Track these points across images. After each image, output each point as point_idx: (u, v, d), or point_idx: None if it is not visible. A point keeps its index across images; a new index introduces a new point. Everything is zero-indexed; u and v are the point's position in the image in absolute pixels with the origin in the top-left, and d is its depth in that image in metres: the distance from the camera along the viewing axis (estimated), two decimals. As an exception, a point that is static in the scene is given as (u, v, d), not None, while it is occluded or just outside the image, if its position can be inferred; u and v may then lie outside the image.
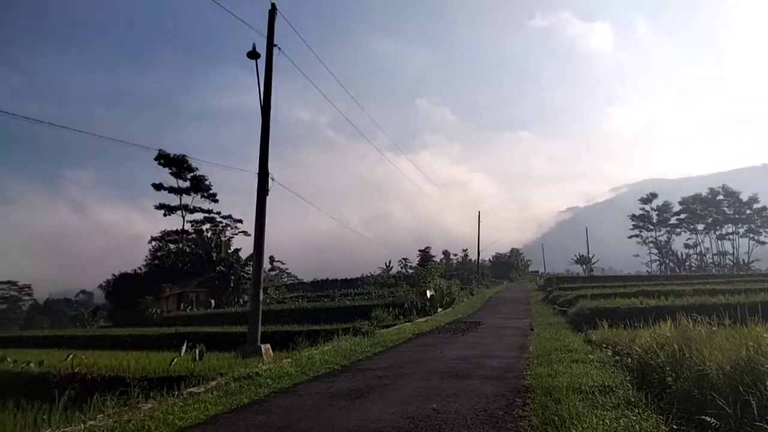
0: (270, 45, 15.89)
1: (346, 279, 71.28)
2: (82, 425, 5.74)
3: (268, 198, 15.41)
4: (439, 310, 28.33)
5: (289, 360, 10.93)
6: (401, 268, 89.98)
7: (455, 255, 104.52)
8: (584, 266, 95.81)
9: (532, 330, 17.93)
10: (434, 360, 11.28)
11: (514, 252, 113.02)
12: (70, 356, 14.61)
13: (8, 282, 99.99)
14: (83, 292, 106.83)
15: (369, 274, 70.41)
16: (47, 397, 12.00)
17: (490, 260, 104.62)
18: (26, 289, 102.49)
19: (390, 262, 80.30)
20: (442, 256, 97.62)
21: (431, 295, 28.97)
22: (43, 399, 11.66)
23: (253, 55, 15.23)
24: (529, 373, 9.14)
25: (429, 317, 24.69)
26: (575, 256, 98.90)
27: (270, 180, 15.66)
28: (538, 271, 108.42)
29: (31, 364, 14.63)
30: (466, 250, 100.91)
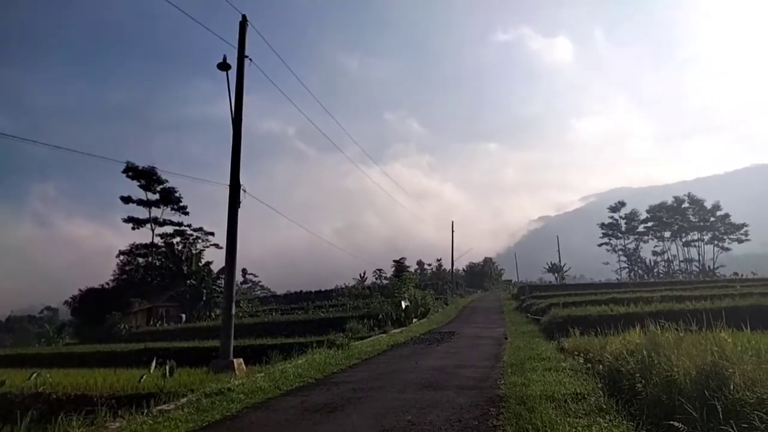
0: (241, 56, 15.81)
1: (320, 291, 70.66)
2: (46, 447, 5.54)
3: (240, 210, 15.28)
4: (414, 320, 28.35)
5: (263, 374, 10.78)
6: (376, 278, 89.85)
7: (429, 265, 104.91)
8: (556, 274, 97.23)
9: (506, 339, 18.07)
10: (409, 371, 11.26)
11: (488, 261, 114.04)
12: (34, 375, 14.08)
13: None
14: (48, 308, 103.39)
15: (344, 286, 70.07)
16: (8, 418, 11.56)
17: (464, 270, 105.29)
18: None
19: (364, 273, 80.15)
20: (417, 267, 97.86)
21: (406, 306, 28.99)
22: (5, 420, 11.22)
23: (223, 66, 15.12)
24: (503, 382, 9.20)
25: (404, 328, 24.68)
26: (547, 264, 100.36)
27: (242, 192, 15.52)
28: (511, 280, 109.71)
29: (-8, 384, 14.07)
30: (440, 260, 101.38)
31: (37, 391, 12.45)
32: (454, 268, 78.64)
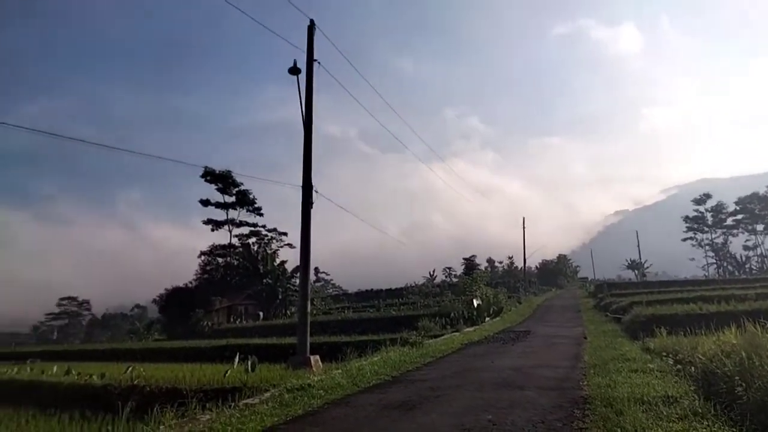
0: (310, 60, 16.16)
1: (390, 289, 71.10)
2: (146, 436, 5.93)
3: (312, 210, 15.64)
4: (487, 319, 27.92)
5: (340, 371, 10.98)
6: (445, 277, 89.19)
7: (500, 263, 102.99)
8: (636, 271, 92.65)
9: (585, 338, 17.43)
10: (485, 370, 11.10)
11: (562, 258, 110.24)
12: (129, 369, 15.11)
13: (69, 298, 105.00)
14: (138, 306, 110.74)
15: (413, 284, 70.10)
16: (110, 408, 12.46)
17: (536, 267, 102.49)
18: (85, 305, 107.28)
19: (434, 271, 79.82)
20: (487, 264, 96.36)
21: (478, 304, 28.62)
22: (106, 410, 12.10)
23: (294, 71, 15.52)
24: (586, 383, 8.88)
25: (477, 327, 24.36)
26: (626, 261, 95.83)
27: (314, 193, 15.87)
28: (587, 278, 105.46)
29: (94, 377, 15.22)
30: (512, 257, 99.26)
31: (133, 383, 13.32)
32: (527, 265, 76.74)
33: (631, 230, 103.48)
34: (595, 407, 6.87)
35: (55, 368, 19.13)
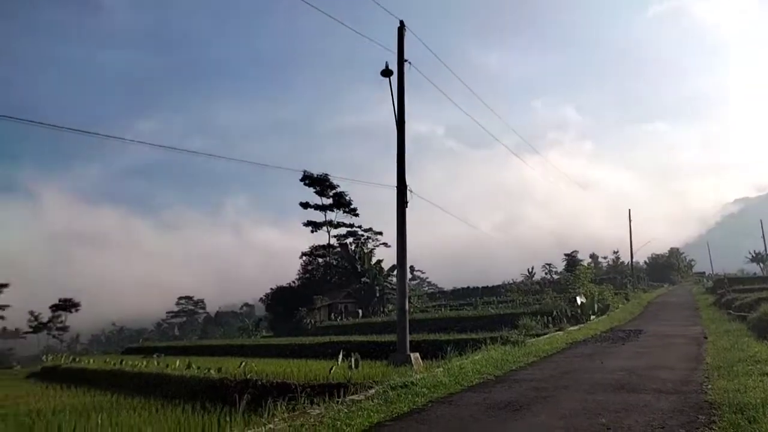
0: (401, 61, 16.26)
1: (486, 286, 69.93)
2: (262, 428, 6.28)
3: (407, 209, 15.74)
4: (592, 317, 26.60)
5: (441, 369, 10.96)
6: (545, 273, 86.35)
7: (604, 258, 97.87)
8: (762, 264, 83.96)
9: (705, 338, 16.09)
10: (595, 371, 10.59)
11: (674, 252, 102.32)
12: (243, 364, 16.10)
13: (186, 297, 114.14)
14: (246, 305, 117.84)
15: (511, 281, 68.52)
16: (226, 400, 13.36)
17: (645, 262, 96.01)
18: (201, 303, 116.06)
19: (532, 268, 77.67)
20: (590, 260, 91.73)
21: (582, 302, 27.34)
22: (223, 402, 13.00)
23: (386, 73, 15.68)
24: (709, 387, 8.19)
25: (581, 325, 23.29)
26: (750, 253, 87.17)
27: (408, 192, 15.96)
28: (704, 272, 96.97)
29: (212, 371, 16.39)
30: (617, 252, 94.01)
31: (246, 378, 14.17)
32: (634, 260, 72.11)
33: (754, 219, 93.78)
34: (722, 413, 6.32)
35: (177, 362, 20.84)
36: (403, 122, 15.99)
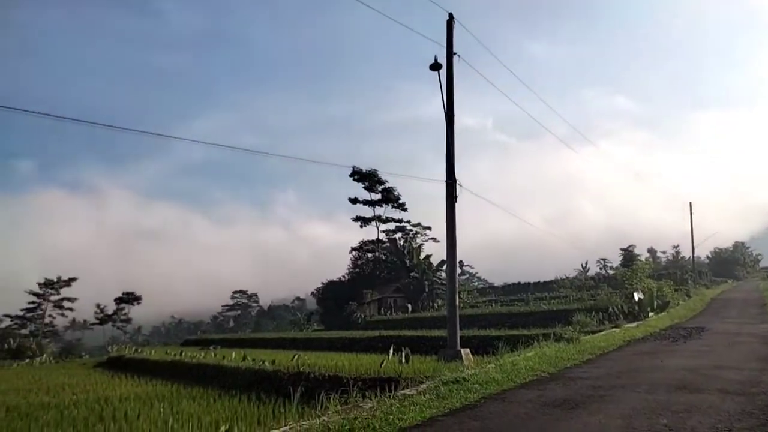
0: (450, 54, 16.12)
1: (538, 282, 68.54)
2: (317, 419, 6.40)
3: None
4: (651, 314, 25.63)
5: (493, 365, 10.84)
6: (600, 268, 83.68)
7: (663, 252, 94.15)
8: (840, 259, 78.40)
9: (775, 337, 15.23)
10: (654, 370, 10.21)
11: (739, 246, 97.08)
12: (295, 357, 16.44)
13: (240, 291, 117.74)
14: (298, 298, 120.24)
15: (564, 277, 66.79)
16: (279, 392, 13.69)
17: (708, 257, 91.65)
18: (254, 297, 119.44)
19: (586, 263, 75.38)
20: (648, 255, 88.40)
21: (639, 298, 26.36)
22: (277, 393, 13.32)
23: (435, 66, 15.56)
24: (782, 389, 7.74)
25: (639, 322, 22.48)
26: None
27: (457, 186, 15.82)
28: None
29: (266, 363, 16.82)
30: (677, 246, 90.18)
31: (299, 370, 14.46)
32: (695, 254, 68.95)
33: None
34: (797, 418, 5.96)
35: (233, 354, 21.51)
36: (453, 116, 15.86)
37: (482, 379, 9.09)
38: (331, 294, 51.03)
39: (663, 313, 26.92)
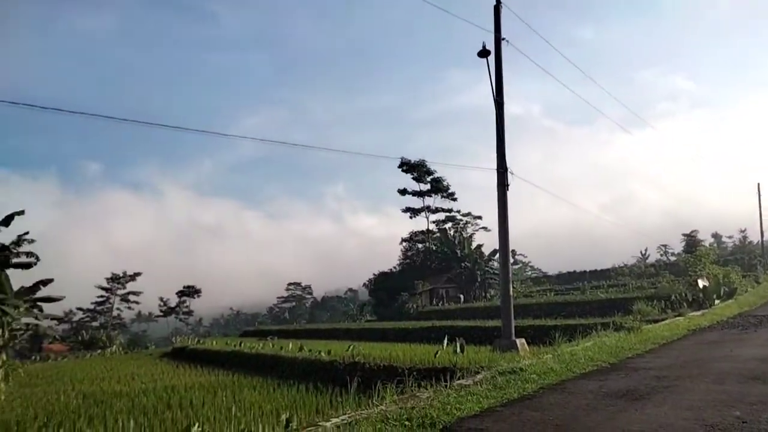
0: (498, 40, 15.86)
1: (595, 270, 66.54)
2: (375, 409, 6.48)
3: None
4: (717, 302, 24.45)
5: (551, 356, 10.64)
6: (660, 255, 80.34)
7: (729, 237, 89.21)
8: None
9: None
10: (723, 360, 9.75)
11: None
12: (351, 347, 16.66)
13: (295, 283, 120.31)
14: (350, 290, 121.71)
15: (622, 264, 64.61)
16: (336, 381, 13.93)
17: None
18: (308, 289, 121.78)
19: (646, 250, 72.67)
20: (712, 240, 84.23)
21: (704, 285, 25.19)
22: (333, 383, 13.57)
23: (483, 53, 15.33)
24: None
25: (704, 311, 21.50)
26: None
27: (509, 174, 15.58)
28: None
29: (322, 353, 17.14)
30: (745, 230, 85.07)
31: (354, 360, 14.66)
32: (765, 239, 65.05)
33: None
34: None
35: (290, 345, 22.01)
36: (502, 102, 15.62)
37: (540, 370, 8.95)
38: (383, 285, 51.37)
39: (730, 301, 25.63)
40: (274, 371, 17.94)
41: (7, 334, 21.70)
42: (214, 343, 32.37)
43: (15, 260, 24.20)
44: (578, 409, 6.44)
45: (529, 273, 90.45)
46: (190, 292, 76.70)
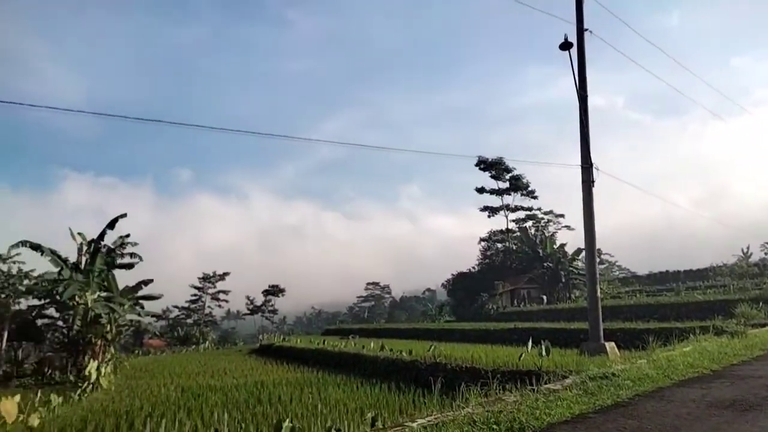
0: (580, 31, 15.36)
1: (690, 270, 62.21)
2: (461, 411, 6.43)
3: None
4: (836, 305, 22.13)
5: (645, 361, 10.08)
6: (765, 254, 73.77)
7: None
8: None
9: None
10: None
11: None
12: (432, 347, 16.64)
13: (373, 283, 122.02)
14: (428, 290, 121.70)
15: (721, 264, 59.91)
16: (417, 381, 13.97)
17: None
18: (386, 289, 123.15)
19: (748, 248, 66.88)
20: (827, 235, 76.10)
21: (820, 287, 22.89)
22: (415, 383, 13.62)
23: (565, 45, 14.86)
24: None
25: (821, 314, 19.54)
26: None
27: (594, 170, 14.99)
28: None
29: (403, 353, 17.25)
30: None
31: (435, 361, 14.63)
32: None
33: None
34: None
35: (372, 344, 22.34)
36: (586, 95, 15.06)
37: (634, 375, 8.50)
38: (462, 285, 50.90)
39: None
40: (356, 369, 18.28)
41: (114, 330, 23.71)
42: (299, 341, 33.45)
43: (119, 261, 26.39)
44: (679, 418, 6.05)
45: (617, 273, 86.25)
46: (274, 291, 79.71)
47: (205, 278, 76.92)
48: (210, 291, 77.29)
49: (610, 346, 13.31)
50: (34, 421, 10.23)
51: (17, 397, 10.82)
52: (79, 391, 15.98)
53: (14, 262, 23.30)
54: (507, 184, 57.42)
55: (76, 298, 22.43)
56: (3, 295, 22.72)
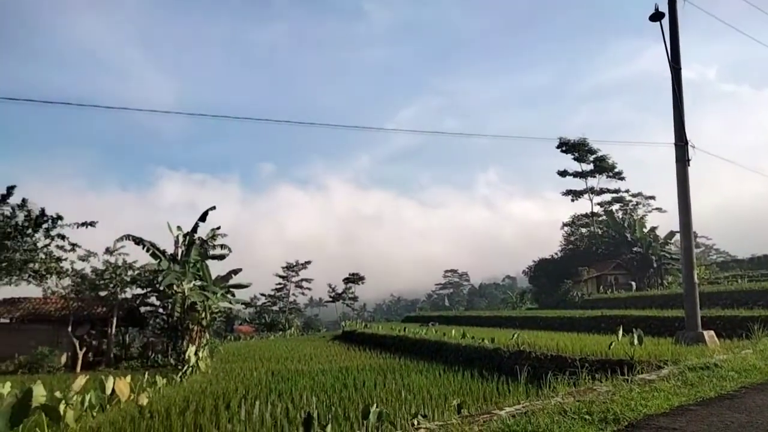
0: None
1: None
2: (550, 400, 6.29)
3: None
4: None
5: (750, 350, 9.38)
6: None
7: None
8: None
9: None
10: None
11: None
12: (515, 335, 16.38)
13: (452, 270, 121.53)
14: (508, 277, 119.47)
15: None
16: (501, 369, 13.82)
17: None
18: (465, 276, 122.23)
19: None
20: None
21: None
22: (499, 371, 13.47)
23: (656, 16, 14.01)
24: None
25: None
26: None
27: (689, 147, 14.06)
28: None
29: (485, 341, 17.12)
30: None
31: (519, 349, 14.40)
32: None
33: None
34: None
35: (453, 331, 22.33)
36: (680, 68, 14.21)
37: (738, 366, 7.92)
38: (544, 272, 49.42)
39: None
40: (438, 356, 18.35)
41: (209, 316, 25.29)
42: (380, 327, 34.05)
43: (212, 252, 28.04)
44: (794, 414, 5.58)
45: (714, 257, 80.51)
46: (355, 279, 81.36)
47: (289, 267, 79.93)
48: (294, 279, 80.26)
49: (709, 334, 12.54)
50: (143, 400, 11.18)
51: (128, 378, 11.85)
52: (180, 374, 17.22)
53: (120, 254, 25.51)
54: (591, 166, 54.78)
55: (174, 287, 24.11)
56: (111, 285, 24.93)
